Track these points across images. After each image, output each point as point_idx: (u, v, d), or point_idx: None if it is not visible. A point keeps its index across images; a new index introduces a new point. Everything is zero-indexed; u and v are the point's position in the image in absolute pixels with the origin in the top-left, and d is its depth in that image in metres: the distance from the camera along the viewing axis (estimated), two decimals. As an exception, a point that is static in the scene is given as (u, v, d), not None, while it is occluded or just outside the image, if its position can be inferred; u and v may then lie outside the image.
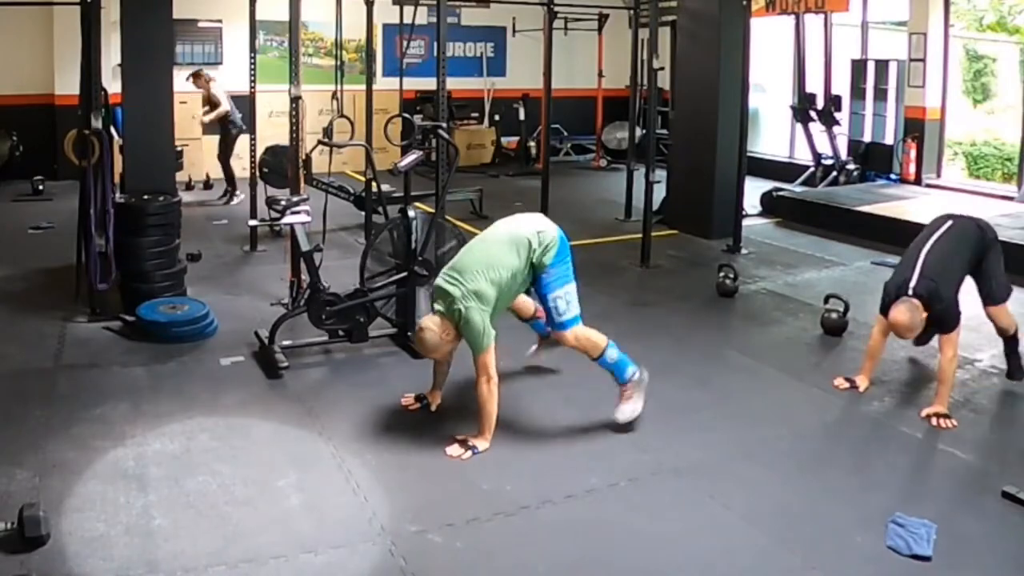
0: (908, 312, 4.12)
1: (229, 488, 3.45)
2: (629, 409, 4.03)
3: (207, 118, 9.40)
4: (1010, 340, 4.63)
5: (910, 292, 4.15)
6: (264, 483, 3.50)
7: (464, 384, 4.33)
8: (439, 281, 3.92)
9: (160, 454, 3.71)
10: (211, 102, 9.30)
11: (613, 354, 4.05)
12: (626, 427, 4.02)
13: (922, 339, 4.44)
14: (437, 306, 3.89)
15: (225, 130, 9.33)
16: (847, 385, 4.54)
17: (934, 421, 4.13)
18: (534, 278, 4.01)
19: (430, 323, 3.86)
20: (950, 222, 4.46)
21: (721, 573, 3.01)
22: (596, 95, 12.38)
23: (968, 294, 4.43)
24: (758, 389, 4.62)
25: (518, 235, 3.97)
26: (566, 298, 4.00)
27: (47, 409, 4.12)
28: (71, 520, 3.16)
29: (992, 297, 4.50)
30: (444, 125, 5.43)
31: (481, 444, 3.79)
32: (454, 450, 3.78)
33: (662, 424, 4.12)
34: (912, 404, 4.41)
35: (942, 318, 4.18)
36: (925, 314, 4.13)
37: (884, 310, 4.34)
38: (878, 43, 10.70)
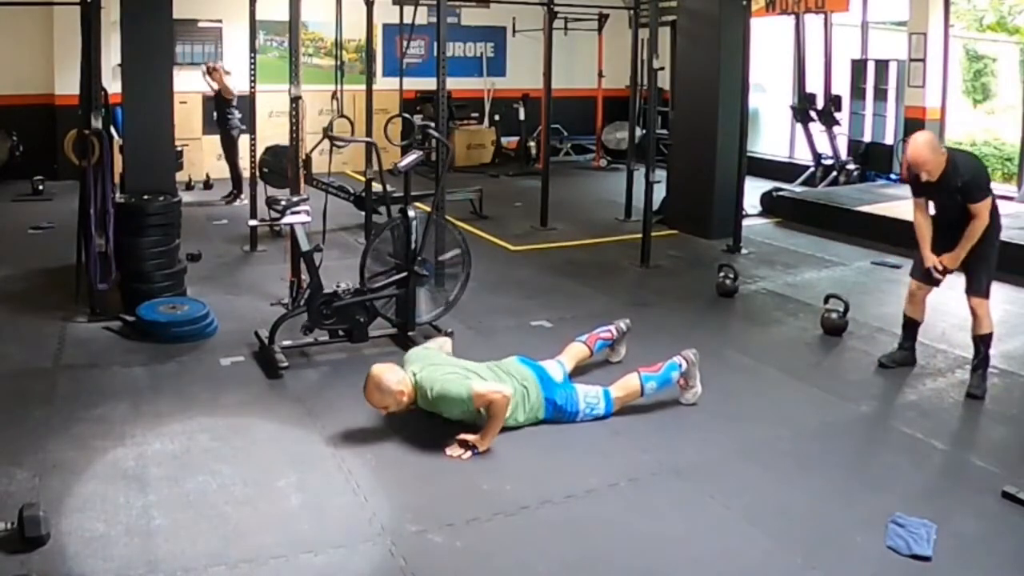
0: (930, 135, 4.32)
1: (229, 488, 3.45)
2: (691, 394, 4.30)
3: (214, 84, 9.22)
4: (980, 342, 4.52)
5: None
6: (264, 483, 3.50)
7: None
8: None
9: (160, 454, 3.71)
10: (222, 92, 9.23)
11: (652, 385, 4.19)
12: (626, 428, 4.05)
13: (954, 217, 4.42)
14: (412, 369, 3.98)
15: (226, 131, 9.31)
16: (940, 267, 4.51)
17: (932, 264, 4.43)
18: (548, 419, 4.07)
19: (395, 367, 3.95)
20: None
21: (721, 573, 3.01)
22: (596, 95, 12.38)
23: (954, 290, 4.47)
24: (758, 389, 4.62)
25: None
26: (586, 408, 4.08)
27: (47, 409, 4.12)
28: (71, 520, 3.16)
29: (975, 288, 4.48)
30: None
31: (481, 446, 3.79)
32: (454, 450, 3.78)
33: (662, 424, 4.12)
34: (913, 405, 4.41)
35: (969, 187, 4.26)
36: (945, 152, 4.27)
37: (914, 188, 4.47)
38: (878, 43, 10.70)
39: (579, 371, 4.49)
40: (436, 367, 3.96)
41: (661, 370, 4.23)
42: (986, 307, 4.47)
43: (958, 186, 4.28)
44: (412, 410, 3.96)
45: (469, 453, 3.76)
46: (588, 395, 4.11)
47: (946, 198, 4.42)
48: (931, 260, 4.51)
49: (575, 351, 4.51)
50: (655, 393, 4.22)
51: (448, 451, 3.77)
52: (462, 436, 3.83)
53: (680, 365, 4.27)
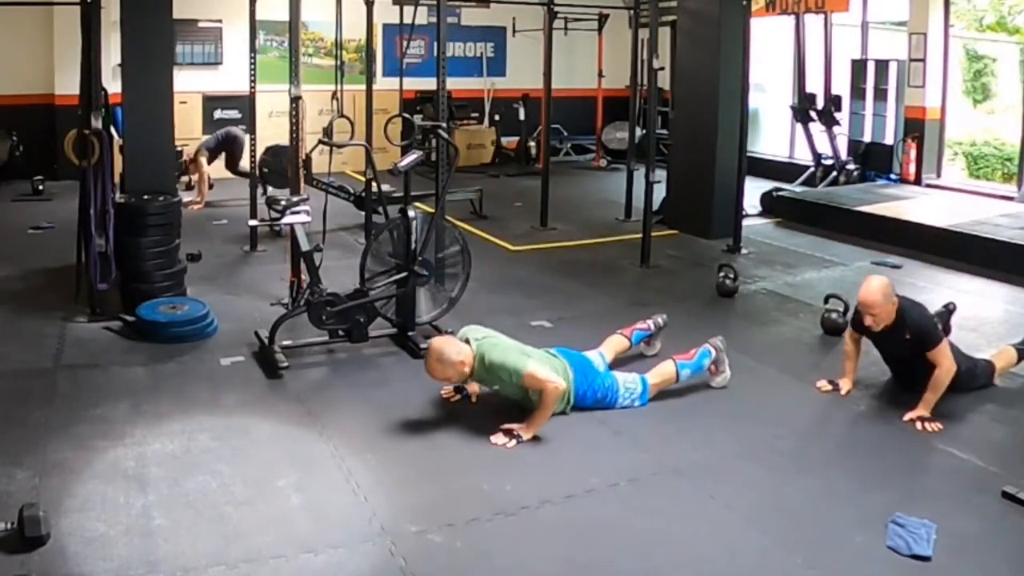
0: (885, 281, 4.18)
1: (229, 488, 3.45)
2: (720, 379, 4.50)
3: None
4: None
5: None
6: (264, 483, 3.50)
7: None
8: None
9: (160, 454, 3.71)
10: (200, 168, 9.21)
11: (686, 372, 4.37)
12: (626, 428, 4.05)
13: (916, 373, 4.30)
14: (472, 336, 4.05)
15: (229, 146, 9.28)
16: (829, 388, 4.51)
17: (919, 425, 4.09)
18: (590, 407, 4.17)
19: (454, 339, 4.02)
20: None
21: (721, 573, 3.01)
22: (596, 95, 12.38)
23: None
24: (758, 389, 4.62)
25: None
26: (625, 393, 4.21)
27: (47, 409, 4.12)
28: (71, 520, 3.17)
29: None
30: (444, 125, 5.43)
31: (527, 434, 3.87)
32: (499, 439, 3.85)
33: (662, 424, 4.12)
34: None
35: (919, 331, 4.17)
36: (897, 301, 4.18)
37: (855, 324, 4.39)
38: (878, 43, 10.70)
39: (618, 363, 4.60)
40: (495, 339, 4.07)
41: (694, 357, 4.41)
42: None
43: (906, 338, 4.21)
44: (466, 386, 4.22)
45: (514, 442, 3.83)
46: (627, 382, 4.24)
47: (891, 346, 4.38)
48: (847, 388, 4.46)
49: (614, 343, 4.67)
50: (689, 380, 4.38)
51: (493, 439, 3.84)
52: (507, 425, 3.89)
53: (711, 352, 4.46)
